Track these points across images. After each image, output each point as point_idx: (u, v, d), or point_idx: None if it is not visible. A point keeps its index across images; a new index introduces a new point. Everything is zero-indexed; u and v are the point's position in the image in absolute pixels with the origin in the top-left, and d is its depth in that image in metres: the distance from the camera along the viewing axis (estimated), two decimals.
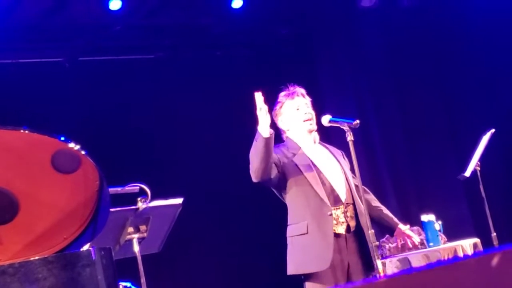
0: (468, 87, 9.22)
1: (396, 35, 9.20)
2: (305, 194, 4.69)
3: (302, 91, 4.97)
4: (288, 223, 4.81)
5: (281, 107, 4.95)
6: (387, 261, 6.18)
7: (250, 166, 4.65)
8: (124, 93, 8.15)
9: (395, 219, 4.91)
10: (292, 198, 4.75)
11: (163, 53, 8.59)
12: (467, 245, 6.44)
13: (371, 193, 4.99)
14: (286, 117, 4.92)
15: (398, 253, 6.59)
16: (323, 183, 4.72)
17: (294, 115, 4.88)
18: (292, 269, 4.76)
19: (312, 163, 4.78)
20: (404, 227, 4.88)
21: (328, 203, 4.67)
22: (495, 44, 8.92)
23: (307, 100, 4.94)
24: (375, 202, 4.97)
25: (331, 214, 4.65)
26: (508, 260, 1.39)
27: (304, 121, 4.85)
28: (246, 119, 8.64)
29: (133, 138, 8.09)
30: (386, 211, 4.94)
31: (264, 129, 4.44)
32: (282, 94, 4.98)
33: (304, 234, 4.67)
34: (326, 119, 4.80)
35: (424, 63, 9.32)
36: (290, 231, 4.78)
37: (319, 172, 4.76)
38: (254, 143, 4.56)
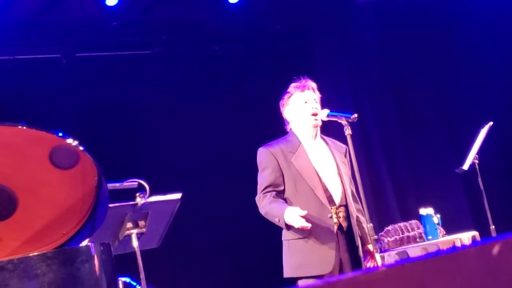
0: (465, 80, 9.22)
1: (392, 29, 9.19)
2: (306, 197, 4.66)
3: (313, 85, 4.91)
4: None
5: (289, 97, 4.88)
6: (385, 254, 6.20)
7: (263, 214, 4.74)
8: (122, 88, 8.15)
9: (369, 238, 4.82)
10: (291, 200, 4.70)
11: (160, 48, 8.57)
12: (465, 238, 6.46)
13: (358, 203, 4.92)
14: (292, 109, 4.86)
15: (397, 246, 6.60)
16: (321, 185, 4.71)
17: (301, 107, 4.82)
18: (290, 272, 4.72)
19: (311, 163, 4.75)
20: (372, 248, 4.82)
21: (328, 205, 4.66)
22: (492, 37, 8.92)
23: (317, 95, 4.90)
24: (359, 213, 4.91)
25: (331, 217, 4.64)
26: (506, 250, 1.39)
27: (310, 115, 4.79)
28: (242, 113, 8.71)
29: (131, 134, 8.09)
30: (364, 224, 4.87)
31: (287, 224, 4.56)
32: (293, 85, 4.91)
33: (304, 237, 4.63)
34: (324, 113, 4.77)
35: (421, 57, 9.32)
36: (287, 234, 4.72)
37: (317, 173, 4.74)
38: (273, 217, 4.64)
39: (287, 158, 4.75)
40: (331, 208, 4.68)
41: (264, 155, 4.79)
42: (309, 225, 4.49)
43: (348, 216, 4.72)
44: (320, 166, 4.77)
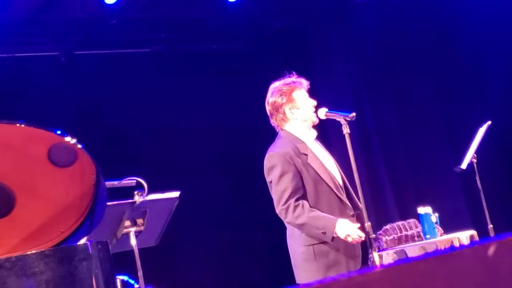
0: (463, 79, 9.22)
1: (391, 27, 9.19)
2: (327, 198, 4.55)
3: (307, 83, 4.78)
4: None
5: (291, 92, 4.66)
6: (383, 253, 6.19)
7: (298, 224, 4.51)
8: (120, 86, 8.15)
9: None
10: (312, 204, 4.53)
11: (159, 46, 8.58)
12: (463, 237, 6.45)
13: None
14: (298, 105, 4.66)
15: (395, 245, 6.60)
16: (338, 184, 4.61)
17: (307, 105, 4.68)
18: (318, 275, 4.48)
19: (323, 163, 4.64)
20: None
21: (349, 203, 4.60)
22: (490, 36, 8.92)
23: None
24: None
25: (353, 215, 4.57)
26: (503, 250, 1.39)
27: (313, 112, 4.68)
28: (241, 111, 8.70)
29: (130, 132, 8.09)
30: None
31: (335, 236, 4.42)
32: (287, 80, 4.73)
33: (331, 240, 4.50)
34: (322, 112, 4.71)
35: (419, 56, 9.31)
36: (308, 239, 4.53)
37: (331, 173, 4.63)
38: (316, 229, 4.45)
39: (303, 161, 4.57)
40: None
41: (280, 159, 4.55)
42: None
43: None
44: (328, 165, 4.67)
